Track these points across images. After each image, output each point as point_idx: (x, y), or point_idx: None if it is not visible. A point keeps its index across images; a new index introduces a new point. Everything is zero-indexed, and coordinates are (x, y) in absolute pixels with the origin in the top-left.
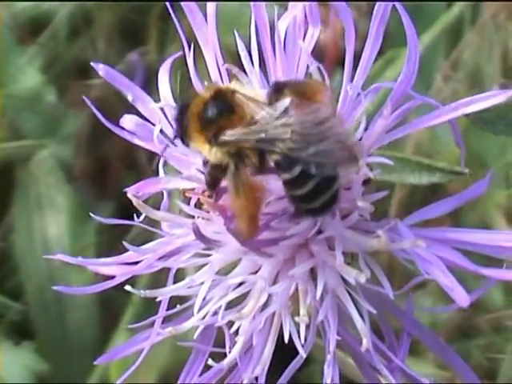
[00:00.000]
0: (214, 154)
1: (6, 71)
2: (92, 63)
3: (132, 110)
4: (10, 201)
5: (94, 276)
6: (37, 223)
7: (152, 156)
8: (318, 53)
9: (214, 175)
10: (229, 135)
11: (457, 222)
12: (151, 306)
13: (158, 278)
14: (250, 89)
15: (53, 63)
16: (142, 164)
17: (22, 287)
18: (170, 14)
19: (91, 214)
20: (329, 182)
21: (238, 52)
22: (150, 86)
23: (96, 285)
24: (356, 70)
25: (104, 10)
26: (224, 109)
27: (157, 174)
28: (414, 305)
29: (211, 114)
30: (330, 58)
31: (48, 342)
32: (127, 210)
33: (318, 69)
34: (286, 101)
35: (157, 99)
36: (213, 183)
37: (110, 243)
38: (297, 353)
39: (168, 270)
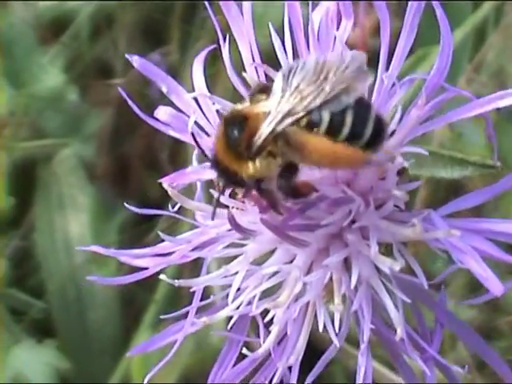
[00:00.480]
0: (260, 165)
1: (28, 71)
2: (126, 55)
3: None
4: (32, 199)
5: (117, 273)
6: (58, 222)
7: (172, 155)
8: (351, 47)
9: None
10: (257, 139)
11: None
12: (173, 305)
13: (181, 271)
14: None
15: (75, 63)
16: (163, 163)
17: (43, 285)
18: (193, 13)
19: (115, 213)
20: (363, 107)
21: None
22: None
23: (130, 275)
24: (388, 65)
25: (126, 10)
26: (239, 124)
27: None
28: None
29: (233, 137)
30: None
31: (69, 340)
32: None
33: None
34: (277, 79)
35: None
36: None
37: (132, 242)
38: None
39: (191, 261)
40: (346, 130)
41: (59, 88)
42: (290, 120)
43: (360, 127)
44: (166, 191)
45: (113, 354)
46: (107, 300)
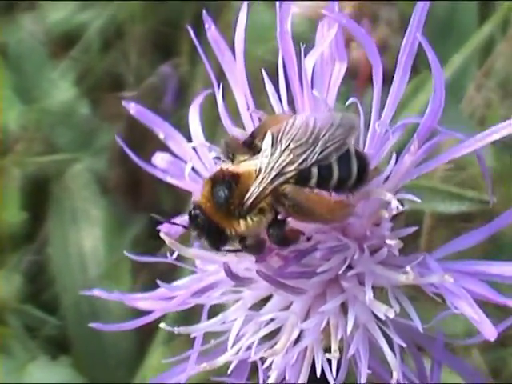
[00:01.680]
0: (252, 222)
1: (39, 86)
2: (123, 102)
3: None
4: (45, 215)
5: (131, 288)
6: (72, 236)
7: None
8: (350, 70)
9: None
10: (248, 198)
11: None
12: (186, 320)
13: (191, 308)
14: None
15: (85, 77)
16: None
17: (57, 301)
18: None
19: (128, 226)
20: (346, 155)
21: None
22: (182, 98)
23: (133, 321)
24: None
25: (136, 22)
26: (229, 184)
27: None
28: (446, 317)
29: (223, 195)
30: (362, 75)
31: (84, 355)
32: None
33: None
34: (267, 137)
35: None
36: (260, 246)
37: (145, 255)
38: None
39: None
40: (335, 178)
41: (70, 102)
42: (280, 179)
43: (346, 170)
44: (179, 204)
45: (128, 368)
46: (122, 314)
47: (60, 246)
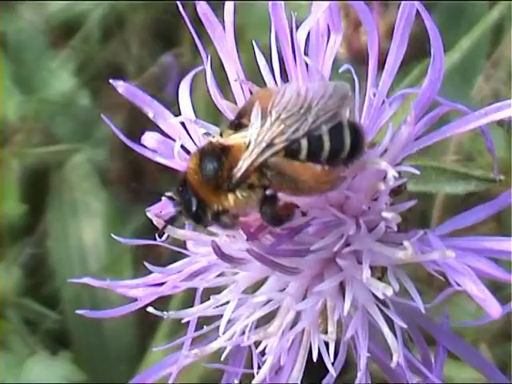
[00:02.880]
0: (241, 197)
1: (38, 76)
2: (111, 80)
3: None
4: (44, 207)
5: None
6: (72, 228)
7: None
8: (359, 55)
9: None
10: (237, 171)
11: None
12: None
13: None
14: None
15: (86, 66)
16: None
17: (57, 294)
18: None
19: (129, 218)
20: (338, 126)
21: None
22: None
23: (126, 306)
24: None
25: (137, 11)
26: (218, 156)
27: None
28: (457, 309)
29: (212, 168)
30: None
31: (85, 349)
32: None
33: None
34: (256, 109)
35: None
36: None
37: (147, 248)
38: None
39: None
40: (326, 150)
41: (70, 93)
42: (271, 151)
43: (339, 141)
44: None
45: (129, 362)
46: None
47: (60, 238)
